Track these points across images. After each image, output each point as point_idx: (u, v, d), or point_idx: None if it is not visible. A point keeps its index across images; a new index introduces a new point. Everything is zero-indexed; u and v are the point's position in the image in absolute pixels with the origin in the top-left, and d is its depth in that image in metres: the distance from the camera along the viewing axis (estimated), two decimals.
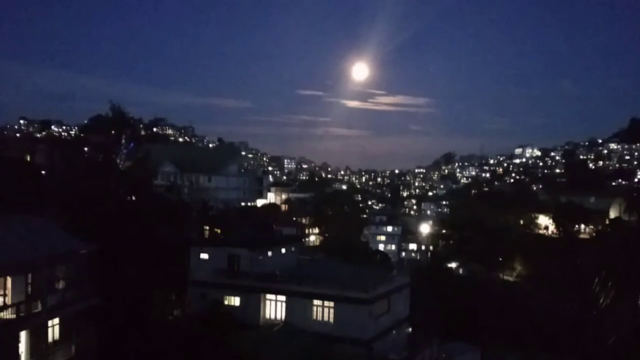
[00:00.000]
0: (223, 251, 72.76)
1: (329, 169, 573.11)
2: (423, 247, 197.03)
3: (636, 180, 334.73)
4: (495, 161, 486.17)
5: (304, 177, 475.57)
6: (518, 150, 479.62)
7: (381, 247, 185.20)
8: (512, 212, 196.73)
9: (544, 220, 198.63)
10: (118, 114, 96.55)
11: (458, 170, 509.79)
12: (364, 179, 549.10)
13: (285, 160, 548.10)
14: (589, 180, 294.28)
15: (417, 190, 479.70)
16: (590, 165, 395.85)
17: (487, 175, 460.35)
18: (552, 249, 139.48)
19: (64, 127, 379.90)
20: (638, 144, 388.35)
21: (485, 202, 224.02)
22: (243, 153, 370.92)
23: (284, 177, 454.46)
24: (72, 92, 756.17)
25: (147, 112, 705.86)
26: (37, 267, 47.49)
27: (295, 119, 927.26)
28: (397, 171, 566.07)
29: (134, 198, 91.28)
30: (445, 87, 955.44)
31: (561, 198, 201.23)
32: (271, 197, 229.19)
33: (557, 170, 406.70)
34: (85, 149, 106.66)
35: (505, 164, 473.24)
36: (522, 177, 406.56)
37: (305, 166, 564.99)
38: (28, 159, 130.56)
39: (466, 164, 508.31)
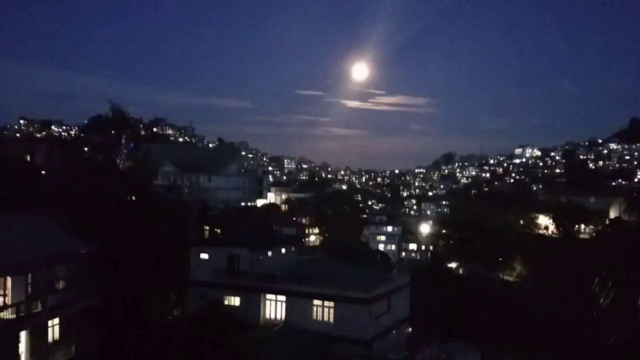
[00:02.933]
0: (223, 251, 72.80)
1: (329, 169, 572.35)
2: (423, 247, 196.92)
3: (636, 180, 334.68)
4: (495, 161, 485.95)
5: (304, 177, 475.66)
6: (518, 150, 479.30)
7: (381, 247, 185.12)
8: (512, 212, 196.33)
9: (544, 220, 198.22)
10: (118, 114, 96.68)
11: (458, 170, 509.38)
12: (364, 179, 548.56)
13: (285, 160, 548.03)
14: (589, 180, 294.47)
15: (417, 191, 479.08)
16: (590, 165, 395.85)
17: (487, 175, 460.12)
18: (552, 249, 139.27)
19: (64, 127, 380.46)
20: (638, 144, 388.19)
21: (485, 202, 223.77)
22: (243, 153, 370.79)
23: (284, 177, 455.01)
24: (72, 92, 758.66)
25: (147, 112, 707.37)
26: (37, 267, 47.48)
27: (295, 119, 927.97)
28: (397, 171, 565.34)
29: (134, 198, 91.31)
30: (445, 87, 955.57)
31: (561, 198, 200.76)
32: (271, 197, 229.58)
33: (557, 170, 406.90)
34: (86, 149, 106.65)
35: (505, 164, 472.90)
36: (522, 177, 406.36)
37: (305, 166, 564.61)
38: (28, 159, 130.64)
39: (466, 164, 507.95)
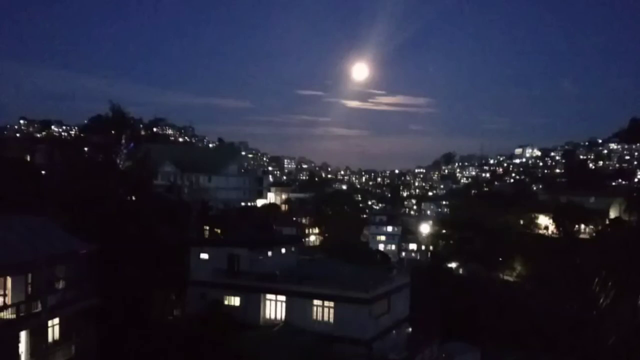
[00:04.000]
0: (223, 251, 72.82)
1: (329, 169, 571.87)
2: (423, 247, 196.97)
3: (636, 180, 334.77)
4: (495, 161, 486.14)
5: (304, 177, 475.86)
6: (518, 150, 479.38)
7: (381, 247, 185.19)
8: (512, 212, 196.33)
9: (544, 220, 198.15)
10: (118, 114, 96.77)
11: (458, 170, 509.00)
12: (364, 179, 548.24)
13: (285, 160, 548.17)
14: (589, 180, 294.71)
15: (417, 191, 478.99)
16: (590, 165, 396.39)
17: (487, 175, 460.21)
18: (552, 249, 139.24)
19: (64, 127, 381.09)
20: (638, 144, 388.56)
21: (485, 202, 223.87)
22: (243, 153, 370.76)
23: (284, 177, 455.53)
24: (72, 92, 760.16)
25: (147, 112, 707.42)
26: (37, 267, 47.49)
27: (295, 119, 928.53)
28: (397, 171, 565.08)
29: (134, 198, 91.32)
30: (445, 87, 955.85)
31: (561, 198, 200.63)
32: (271, 197, 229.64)
33: (557, 170, 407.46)
34: (86, 149, 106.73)
35: (505, 164, 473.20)
36: (522, 177, 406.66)
37: (305, 166, 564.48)
38: (28, 158, 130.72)
39: (466, 164, 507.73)
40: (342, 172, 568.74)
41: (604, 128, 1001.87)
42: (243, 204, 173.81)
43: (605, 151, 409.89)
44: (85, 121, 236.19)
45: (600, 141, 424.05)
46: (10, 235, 48.32)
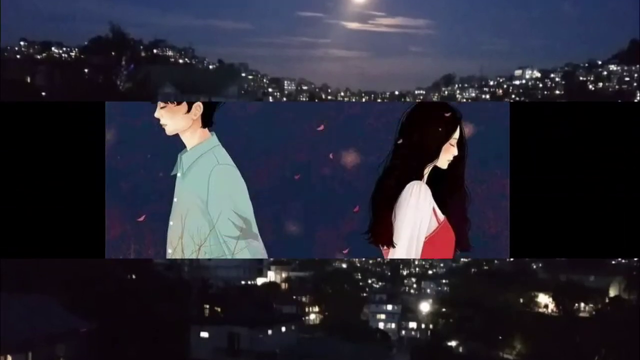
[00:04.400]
0: (223, 329, 72.87)
1: (329, 91, 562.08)
2: (423, 326, 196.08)
3: (635, 259, 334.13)
4: (495, 83, 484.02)
5: (305, 99, 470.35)
6: (518, 72, 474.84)
7: (381, 325, 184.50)
8: (512, 290, 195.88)
9: (543, 298, 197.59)
10: (118, 35, 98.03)
11: (458, 92, 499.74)
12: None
13: (285, 82, 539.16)
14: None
15: (417, 269, 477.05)
16: (590, 87, 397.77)
17: (487, 97, 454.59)
18: (552, 328, 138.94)
19: (64, 49, 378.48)
20: (638, 66, 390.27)
21: (485, 281, 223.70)
22: (243, 74, 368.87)
23: (284, 99, 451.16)
24: (72, 13, 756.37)
25: (147, 34, 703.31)
26: (36, 346, 47.61)
27: (295, 41, 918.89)
28: (397, 92, 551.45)
29: (133, 277, 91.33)
30: (444, 9, 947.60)
31: (561, 276, 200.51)
32: (271, 276, 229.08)
33: (557, 92, 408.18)
34: (86, 70, 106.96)
35: (505, 86, 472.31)
36: (522, 98, 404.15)
37: (305, 88, 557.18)
38: (28, 80, 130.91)
39: (466, 85, 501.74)
40: (342, 94, 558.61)
41: (604, 50, 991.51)
42: (243, 282, 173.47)
43: (605, 73, 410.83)
44: (86, 42, 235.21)
45: (600, 63, 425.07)
46: (9, 315, 48.54)
